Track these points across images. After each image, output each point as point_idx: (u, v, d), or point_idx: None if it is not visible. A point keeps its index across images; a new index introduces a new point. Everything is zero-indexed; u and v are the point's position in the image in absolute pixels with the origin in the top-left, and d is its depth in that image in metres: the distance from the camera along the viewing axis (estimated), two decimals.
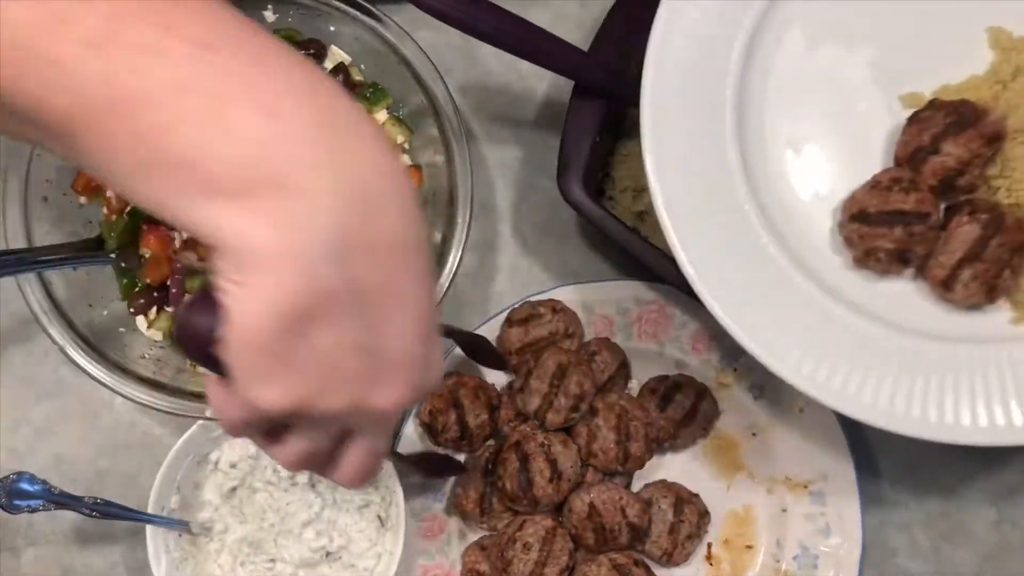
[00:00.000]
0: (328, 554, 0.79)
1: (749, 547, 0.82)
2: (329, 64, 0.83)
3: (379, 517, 0.80)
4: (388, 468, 0.78)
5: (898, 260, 0.70)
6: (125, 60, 0.40)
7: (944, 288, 0.70)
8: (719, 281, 0.68)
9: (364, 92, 0.82)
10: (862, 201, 0.70)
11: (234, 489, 0.80)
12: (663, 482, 0.82)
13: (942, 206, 0.71)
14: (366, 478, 0.54)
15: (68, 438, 0.85)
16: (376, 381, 0.46)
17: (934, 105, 0.70)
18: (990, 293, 0.70)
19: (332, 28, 0.82)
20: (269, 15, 0.83)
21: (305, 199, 0.41)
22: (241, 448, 0.80)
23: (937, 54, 0.73)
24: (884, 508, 0.85)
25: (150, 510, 0.77)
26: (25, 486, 0.75)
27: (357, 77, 0.83)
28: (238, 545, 0.80)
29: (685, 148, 0.70)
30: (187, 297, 0.46)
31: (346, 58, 0.84)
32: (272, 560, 0.79)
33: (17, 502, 0.75)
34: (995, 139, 0.70)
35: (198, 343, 0.47)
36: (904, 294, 0.72)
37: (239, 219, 0.41)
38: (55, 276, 0.77)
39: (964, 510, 0.85)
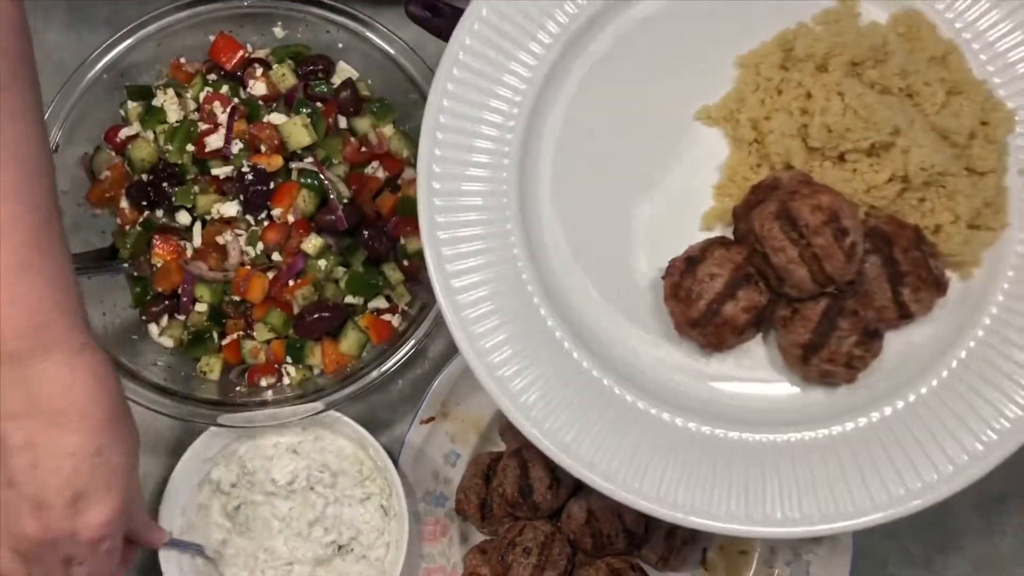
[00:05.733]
0: (340, 548, 0.81)
1: (743, 552, 0.83)
2: (337, 79, 0.85)
3: (382, 507, 0.81)
4: (385, 460, 0.79)
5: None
6: None
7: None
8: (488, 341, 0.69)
9: (371, 107, 0.85)
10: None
11: (238, 507, 0.82)
12: None
13: None
14: None
15: None
16: (17, 513, 0.59)
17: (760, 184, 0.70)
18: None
19: (340, 45, 0.85)
20: (279, 31, 0.85)
21: None
22: (237, 465, 0.82)
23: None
24: None
25: None
26: None
27: (364, 92, 0.85)
28: (254, 558, 0.81)
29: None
30: None
31: (354, 74, 0.86)
32: (290, 563, 0.81)
33: None
34: None
35: None
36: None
37: None
38: None
39: (954, 519, 0.86)
